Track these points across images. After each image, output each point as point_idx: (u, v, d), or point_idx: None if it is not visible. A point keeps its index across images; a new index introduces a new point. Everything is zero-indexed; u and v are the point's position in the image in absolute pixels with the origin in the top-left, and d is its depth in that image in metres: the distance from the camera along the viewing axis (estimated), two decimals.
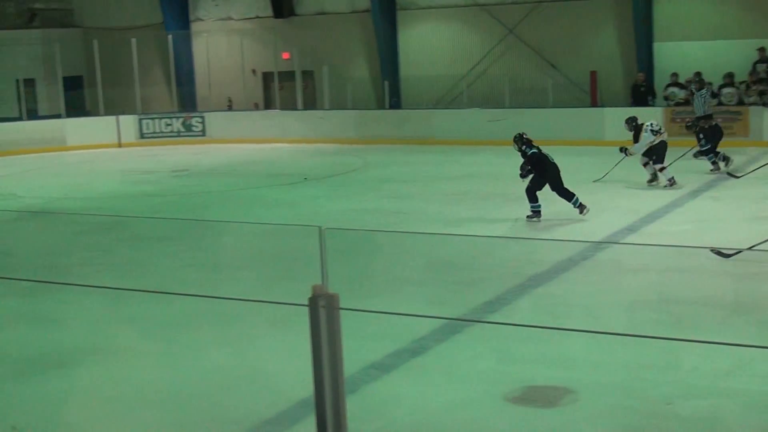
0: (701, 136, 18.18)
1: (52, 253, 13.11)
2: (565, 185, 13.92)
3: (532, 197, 13.74)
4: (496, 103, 25.21)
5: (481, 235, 12.57)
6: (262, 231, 12.73)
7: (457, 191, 17.10)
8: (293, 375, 7.70)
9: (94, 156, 25.00)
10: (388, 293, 10.22)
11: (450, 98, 26.63)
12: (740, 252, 10.87)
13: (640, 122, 16.66)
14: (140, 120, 27.60)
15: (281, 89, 28.30)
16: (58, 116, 27.74)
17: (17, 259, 12.95)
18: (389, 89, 26.75)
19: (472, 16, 26.61)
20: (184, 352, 8.59)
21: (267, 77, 29.53)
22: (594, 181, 16.84)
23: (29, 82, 29.77)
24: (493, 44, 26.18)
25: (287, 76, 28.23)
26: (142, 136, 27.22)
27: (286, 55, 28.40)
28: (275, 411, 7.01)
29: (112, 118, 27.27)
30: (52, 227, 15.50)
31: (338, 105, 27.16)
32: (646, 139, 16.25)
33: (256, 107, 29.17)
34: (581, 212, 13.74)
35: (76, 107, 29.43)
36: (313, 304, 2.79)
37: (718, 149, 18.23)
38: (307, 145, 25.53)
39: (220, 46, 29.91)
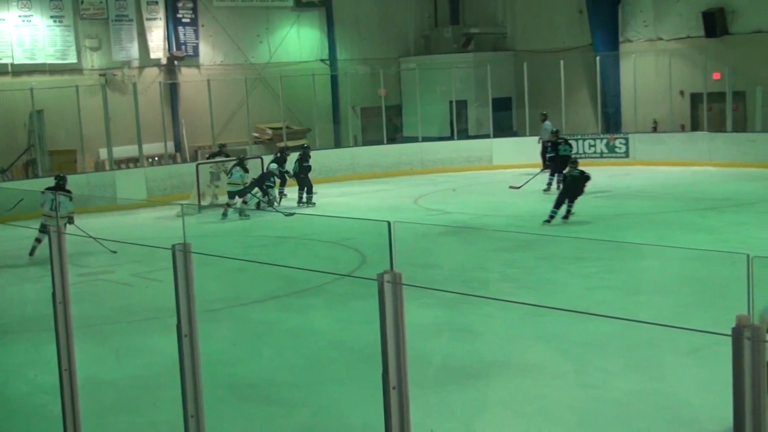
0: None
1: (474, 268, 13.65)
2: None
3: None
4: None
5: None
6: (681, 256, 12.30)
7: None
8: (708, 407, 7.40)
9: (518, 175, 25.65)
10: None
11: None
12: None
13: None
14: None
15: (710, 111, 27.25)
16: (487, 136, 28.89)
17: (442, 272, 13.62)
18: None
19: None
20: (596, 374, 8.55)
21: (695, 98, 28.58)
22: None
23: (461, 104, 31.29)
24: None
25: (716, 97, 27.13)
26: None
27: (716, 76, 27.30)
28: None
29: (536, 139, 27.87)
30: (475, 242, 16.14)
31: None
32: None
33: (683, 129, 28.35)
34: None
35: (504, 128, 30.46)
36: (737, 335, 2.64)
37: None
38: (734, 169, 24.37)
39: (648, 66, 29.44)
